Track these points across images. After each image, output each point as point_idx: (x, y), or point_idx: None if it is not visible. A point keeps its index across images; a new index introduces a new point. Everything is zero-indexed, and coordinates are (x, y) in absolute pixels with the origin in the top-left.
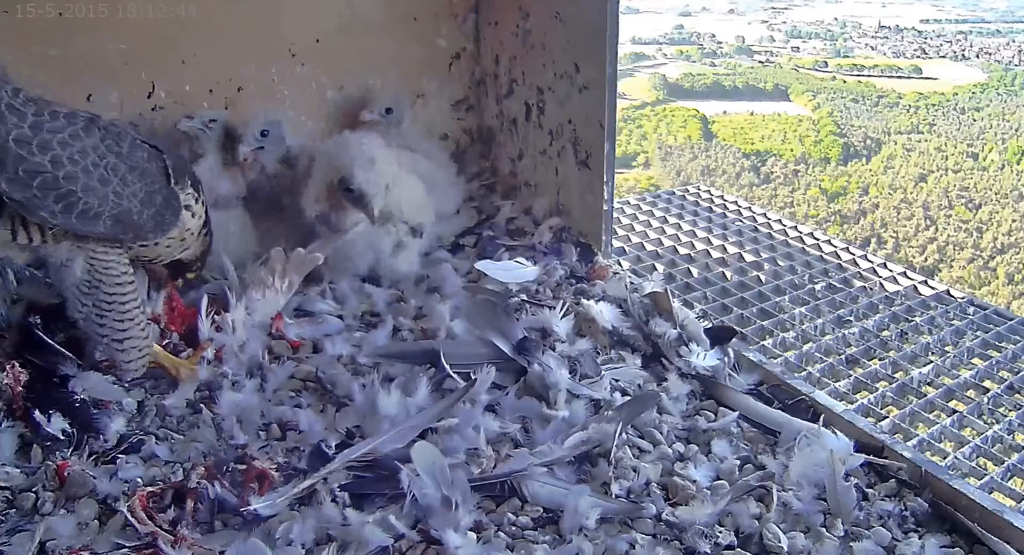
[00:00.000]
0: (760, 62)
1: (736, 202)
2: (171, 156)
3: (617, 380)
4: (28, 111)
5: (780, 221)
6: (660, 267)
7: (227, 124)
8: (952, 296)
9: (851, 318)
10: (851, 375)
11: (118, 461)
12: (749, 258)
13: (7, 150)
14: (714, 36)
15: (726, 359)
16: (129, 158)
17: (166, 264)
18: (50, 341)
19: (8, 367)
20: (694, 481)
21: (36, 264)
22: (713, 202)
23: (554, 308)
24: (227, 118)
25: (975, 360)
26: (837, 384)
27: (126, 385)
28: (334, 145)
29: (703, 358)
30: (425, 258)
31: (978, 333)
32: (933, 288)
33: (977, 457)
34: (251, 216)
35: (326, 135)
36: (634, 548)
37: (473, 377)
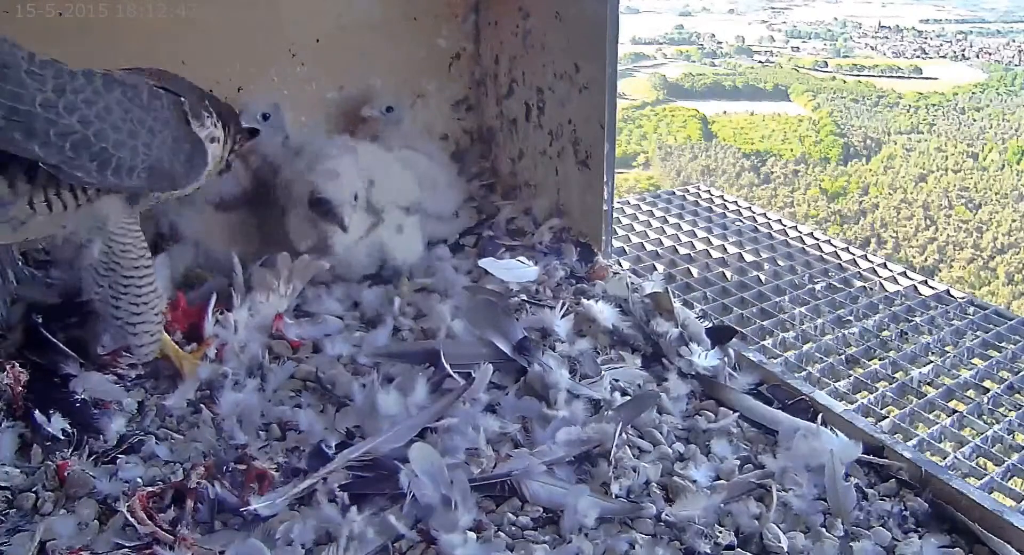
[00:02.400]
0: (760, 62)
1: (736, 202)
2: (186, 91)
3: (617, 380)
4: (48, 74)
5: (780, 221)
6: (660, 267)
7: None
8: (952, 296)
9: (851, 318)
10: (851, 375)
11: (118, 461)
12: (749, 258)
13: (35, 116)
14: (714, 36)
15: (726, 359)
16: (151, 108)
17: None
18: (53, 339)
19: (8, 367)
20: (694, 481)
21: (39, 264)
22: (713, 202)
23: (554, 308)
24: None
25: (975, 360)
26: (837, 384)
27: (127, 385)
28: (305, 163)
29: (703, 358)
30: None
31: (978, 333)
32: (933, 288)
33: (977, 457)
34: (254, 216)
35: (326, 136)
36: (634, 548)
37: (473, 377)
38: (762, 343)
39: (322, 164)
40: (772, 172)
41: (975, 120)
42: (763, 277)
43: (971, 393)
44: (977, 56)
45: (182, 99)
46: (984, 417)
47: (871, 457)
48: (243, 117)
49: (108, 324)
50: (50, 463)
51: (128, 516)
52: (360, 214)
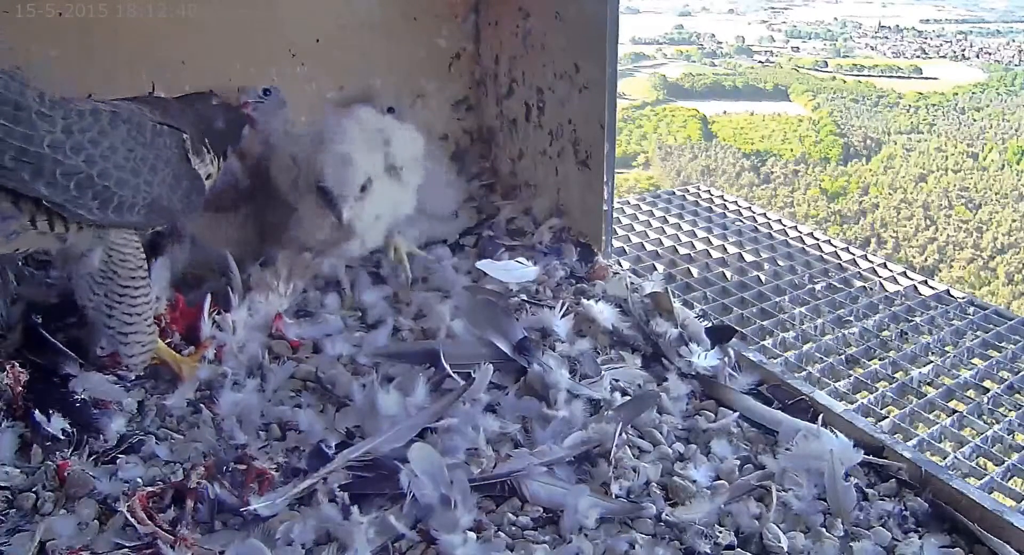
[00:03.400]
0: (760, 62)
1: (736, 202)
2: (187, 125)
3: (617, 380)
4: (57, 115)
5: (780, 221)
6: (660, 267)
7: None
8: (952, 296)
9: (851, 318)
10: (851, 375)
11: (118, 461)
12: (749, 258)
13: (44, 157)
14: (714, 36)
15: (726, 359)
16: (153, 146)
17: None
18: (53, 339)
19: (8, 367)
20: (694, 481)
21: (39, 264)
22: (713, 202)
23: (554, 308)
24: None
25: (975, 360)
26: (837, 384)
27: (127, 385)
28: (312, 140)
29: (703, 358)
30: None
31: (978, 333)
32: (933, 288)
33: (977, 457)
34: (255, 211)
35: None
36: (634, 548)
37: (472, 377)
38: (762, 343)
39: (331, 147)
40: (772, 172)
41: (975, 120)
42: (763, 277)
43: (971, 393)
44: (977, 56)
45: (184, 135)
46: (984, 417)
47: (871, 457)
48: (245, 93)
49: (100, 333)
50: (50, 463)
51: (128, 516)
52: (378, 193)
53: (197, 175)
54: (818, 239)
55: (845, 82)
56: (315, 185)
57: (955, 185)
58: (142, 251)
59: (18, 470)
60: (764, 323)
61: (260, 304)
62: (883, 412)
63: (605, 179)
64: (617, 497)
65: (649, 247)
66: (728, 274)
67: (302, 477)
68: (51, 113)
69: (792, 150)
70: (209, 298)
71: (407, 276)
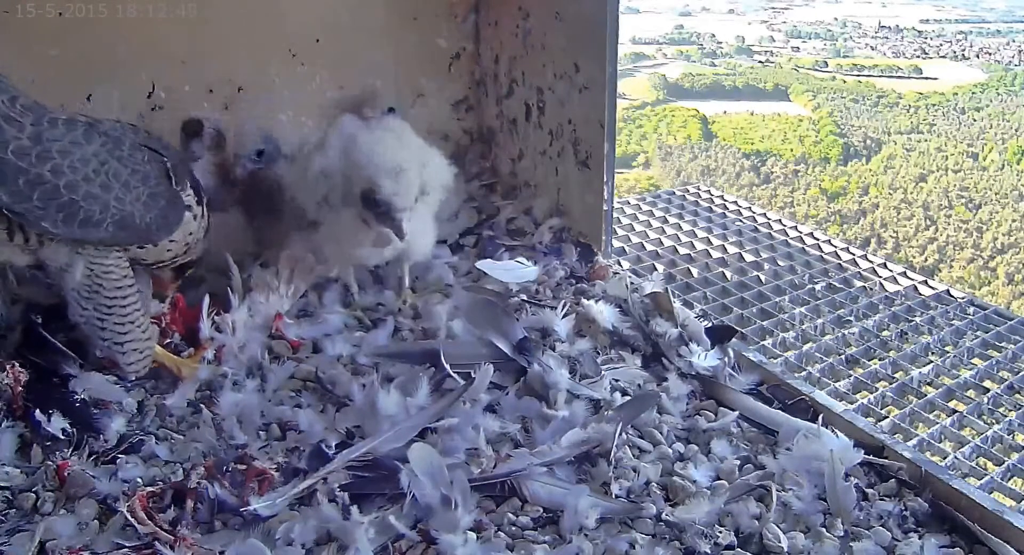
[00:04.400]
0: (760, 62)
1: (736, 202)
2: (171, 157)
3: (617, 380)
4: (26, 121)
5: (780, 221)
6: (660, 267)
7: (219, 127)
8: (952, 296)
9: (851, 318)
10: (851, 375)
11: (118, 461)
12: (749, 258)
13: (6, 162)
14: (714, 36)
15: (726, 359)
16: (130, 161)
17: (164, 266)
18: (53, 340)
19: (8, 367)
20: (694, 481)
21: (36, 265)
22: (713, 202)
23: (554, 308)
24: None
25: (975, 360)
26: (837, 384)
27: (127, 385)
28: (345, 144)
29: (703, 358)
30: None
31: (978, 333)
32: (933, 288)
33: (977, 457)
34: (246, 216)
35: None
36: (634, 548)
37: (472, 377)
38: (762, 343)
39: (381, 158)
40: (772, 172)
41: (975, 120)
42: (763, 277)
43: (971, 393)
44: (977, 56)
45: (164, 159)
46: (984, 417)
47: (871, 457)
48: (240, 161)
49: (96, 344)
50: (50, 463)
51: (128, 516)
52: (420, 207)
53: (178, 197)
54: (818, 239)
55: (845, 82)
56: (362, 197)
57: (955, 185)
58: (125, 261)
59: (18, 470)
60: (764, 323)
61: (260, 304)
62: (883, 412)
63: (605, 179)
64: (617, 497)
65: (649, 247)
66: (728, 274)
67: (302, 477)
68: (20, 119)
69: (792, 150)
70: (208, 299)
71: (405, 302)
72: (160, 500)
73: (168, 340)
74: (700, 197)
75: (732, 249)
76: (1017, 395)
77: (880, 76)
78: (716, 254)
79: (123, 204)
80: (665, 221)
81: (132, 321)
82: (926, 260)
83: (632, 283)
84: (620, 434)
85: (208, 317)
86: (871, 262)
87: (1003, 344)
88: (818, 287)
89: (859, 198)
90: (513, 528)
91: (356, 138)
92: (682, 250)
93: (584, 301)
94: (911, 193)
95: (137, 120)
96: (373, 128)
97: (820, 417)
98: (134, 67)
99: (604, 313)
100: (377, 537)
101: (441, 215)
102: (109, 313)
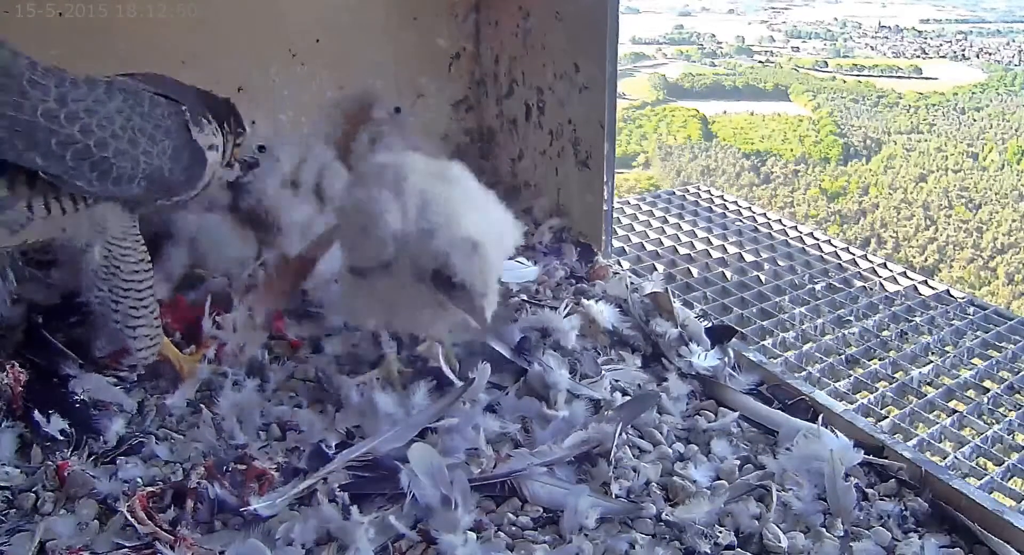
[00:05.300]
0: (760, 62)
1: (736, 202)
2: (186, 98)
3: (617, 380)
4: (50, 83)
5: (780, 221)
6: (660, 267)
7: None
8: (952, 296)
9: (851, 318)
10: (851, 375)
11: (118, 461)
12: (749, 258)
13: (37, 126)
14: (714, 36)
15: (726, 359)
16: (152, 116)
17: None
18: (53, 340)
19: (8, 367)
20: (694, 481)
21: (39, 264)
22: (713, 202)
23: (555, 308)
24: None
25: (975, 360)
26: (837, 384)
27: (127, 386)
28: (421, 201)
29: (703, 358)
30: None
31: (978, 333)
32: (933, 288)
33: (977, 457)
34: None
35: (326, 136)
36: (634, 548)
37: (472, 377)
38: (762, 343)
39: (453, 229)
40: (772, 172)
41: (975, 120)
42: (763, 277)
43: (971, 393)
44: (977, 56)
45: (183, 107)
46: (984, 417)
47: (871, 457)
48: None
49: (107, 327)
50: (50, 463)
51: (128, 516)
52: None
53: (199, 147)
54: (818, 239)
55: (845, 82)
56: (434, 275)
57: (955, 185)
58: (143, 244)
59: (18, 470)
60: (764, 323)
61: (260, 305)
62: (883, 412)
63: (605, 179)
64: (617, 497)
65: (649, 247)
66: (728, 274)
67: (302, 477)
68: (44, 81)
69: (792, 150)
70: (210, 299)
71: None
72: (160, 500)
73: (169, 339)
74: (700, 197)
75: (732, 249)
76: (1017, 395)
77: (880, 76)
78: (716, 254)
79: (151, 158)
80: (665, 221)
81: (146, 306)
82: (926, 260)
83: (632, 283)
84: (620, 434)
85: (209, 316)
86: (871, 262)
87: (1003, 344)
88: (818, 287)
89: (859, 198)
90: (513, 528)
91: (427, 196)
92: (682, 250)
93: (584, 301)
94: (911, 193)
95: None
96: (443, 179)
97: (820, 417)
98: (134, 67)
99: (604, 313)
100: (377, 537)
101: None
102: (125, 296)
